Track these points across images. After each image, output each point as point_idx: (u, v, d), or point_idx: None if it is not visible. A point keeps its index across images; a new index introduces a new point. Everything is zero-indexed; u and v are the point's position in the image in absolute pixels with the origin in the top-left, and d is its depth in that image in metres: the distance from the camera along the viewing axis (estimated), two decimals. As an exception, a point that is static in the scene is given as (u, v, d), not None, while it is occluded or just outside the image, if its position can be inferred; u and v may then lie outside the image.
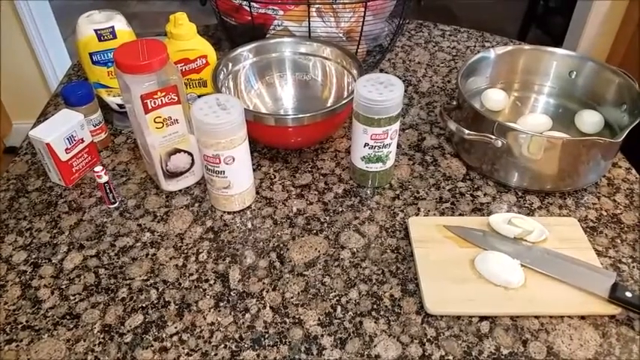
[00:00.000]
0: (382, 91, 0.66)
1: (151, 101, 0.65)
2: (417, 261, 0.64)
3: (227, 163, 0.66)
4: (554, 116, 0.80)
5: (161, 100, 0.66)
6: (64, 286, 0.63)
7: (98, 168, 0.69)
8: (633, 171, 0.77)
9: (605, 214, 0.71)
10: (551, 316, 0.59)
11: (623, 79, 0.76)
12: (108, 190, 0.71)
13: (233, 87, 0.82)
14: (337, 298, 0.61)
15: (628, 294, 0.57)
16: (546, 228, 0.66)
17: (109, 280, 0.64)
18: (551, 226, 0.67)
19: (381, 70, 0.98)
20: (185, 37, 0.78)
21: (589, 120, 0.78)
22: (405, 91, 0.93)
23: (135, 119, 0.68)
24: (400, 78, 0.96)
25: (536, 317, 0.59)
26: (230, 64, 0.81)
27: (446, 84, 0.95)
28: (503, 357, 0.55)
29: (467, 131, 0.70)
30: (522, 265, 0.62)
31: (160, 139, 0.69)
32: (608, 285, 0.59)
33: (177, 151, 0.71)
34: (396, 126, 0.69)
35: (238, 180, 0.69)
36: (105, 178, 0.70)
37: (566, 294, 0.60)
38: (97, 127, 0.80)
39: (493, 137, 0.70)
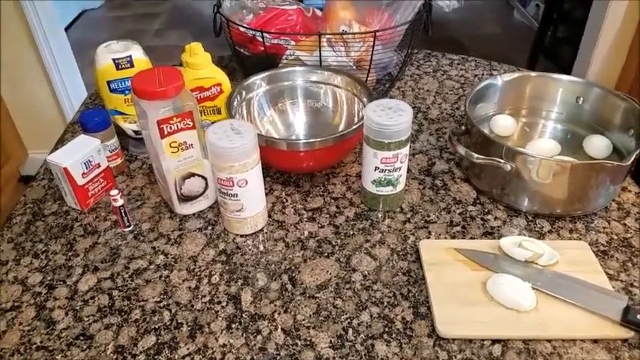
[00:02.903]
0: (392, 115, 0.68)
1: (167, 126, 0.67)
2: (428, 284, 0.64)
3: (240, 186, 0.67)
4: (562, 141, 0.81)
5: (177, 125, 0.68)
6: (78, 308, 0.64)
7: (114, 191, 0.71)
8: (643, 195, 0.77)
9: (615, 237, 0.71)
10: (563, 340, 0.58)
11: (629, 105, 0.77)
12: (123, 214, 0.73)
13: (246, 114, 0.84)
14: (349, 320, 0.61)
15: (640, 317, 0.57)
16: (557, 251, 0.66)
17: (122, 301, 0.64)
18: (562, 250, 0.67)
19: (391, 97, 1.00)
20: (200, 65, 0.80)
21: (597, 145, 0.79)
22: (415, 117, 0.95)
23: (151, 144, 0.70)
24: (410, 105, 0.98)
25: (549, 341, 0.58)
26: (244, 92, 0.84)
27: (455, 111, 0.97)
28: (516, 381, 0.55)
29: (476, 155, 0.71)
30: (534, 288, 0.62)
31: (175, 163, 0.71)
32: (620, 308, 0.59)
33: (192, 175, 0.73)
34: (406, 150, 0.70)
35: (251, 203, 0.70)
36: (120, 202, 0.72)
37: (578, 317, 0.60)
38: (114, 152, 0.82)
39: (502, 161, 0.70)
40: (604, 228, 0.72)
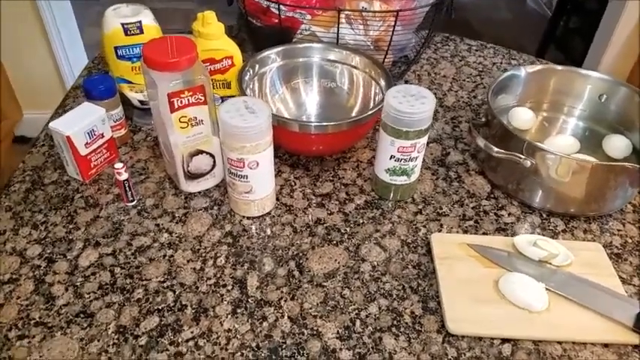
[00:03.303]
0: (413, 103, 0.65)
1: (177, 100, 0.64)
2: (439, 279, 0.63)
3: (251, 168, 0.65)
4: (581, 139, 0.79)
5: (187, 99, 0.65)
6: (78, 284, 0.62)
7: (119, 165, 0.68)
8: (659, 199, 0.76)
9: (630, 241, 0.69)
10: (574, 342, 0.58)
11: (653, 105, 0.75)
12: (127, 188, 0.70)
13: (258, 90, 0.81)
14: (357, 311, 0.60)
15: (654, 325, 0.56)
16: (571, 252, 0.65)
17: (124, 279, 0.62)
18: (576, 251, 0.65)
19: (406, 82, 0.97)
20: (213, 36, 0.77)
21: (617, 145, 0.77)
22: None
23: (159, 117, 0.67)
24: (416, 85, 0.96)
25: (559, 343, 0.57)
26: (257, 66, 0.81)
27: (472, 99, 0.94)
28: (525, 383, 0.54)
29: (495, 149, 0.69)
30: (547, 289, 0.61)
31: (184, 139, 0.68)
32: (633, 314, 0.58)
33: (200, 152, 0.70)
34: (424, 140, 0.68)
35: (260, 185, 0.67)
36: (125, 176, 0.69)
37: (589, 320, 0.59)
38: (118, 122, 0.79)
39: (522, 157, 0.68)
40: (619, 230, 0.71)
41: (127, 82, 0.82)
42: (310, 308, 0.60)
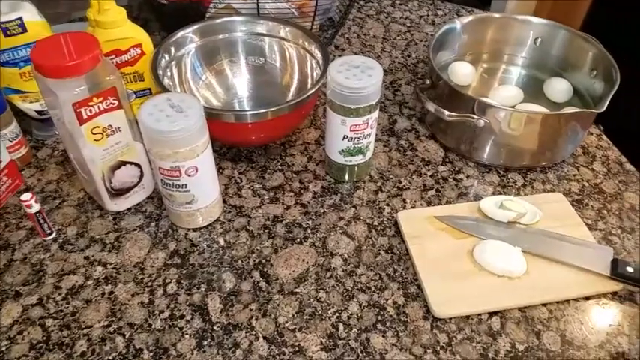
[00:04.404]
0: (360, 76, 0.59)
1: (85, 110, 0.53)
2: (414, 260, 0.59)
3: (189, 175, 0.56)
4: (523, 86, 0.77)
5: (98, 107, 0.54)
6: (4, 349, 0.51)
7: (26, 196, 0.56)
8: (604, 137, 0.76)
9: (587, 185, 0.69)
10: (557, 302, 0.57)
11: (592, 46, 0.74)
12: (41, 221, 0.59)
13: (178, 77, 0.70)
14: (337, 314, 0.54)
15: (629, 269, 0.56)
16: (536, 207, 0.63)
17: (60, 332, 0.52)
18: (540, 205, 0.64)
19: (337, 47, 0.90)
20: (114, 24, 0.65)
21: (558, 88, 0.76)
22: (364, 68, 0.86)
23: (64, 129, 0.56)
24: (358, 54, 0.89)
25: (544, 305, 0.56)
26: (172, 50, 0.69)
27: (406, 59, 0.89)
28: (520, 353, 0.52)
29: (447, 112, 0.65)
30: (523, 251, 0.59)
31: (101, 153, 0.57)
32: (608, 261, 0.57)
33: (123, 163, 0.60)
34: (377, 113, 0.62)
35: (204, 193, 0.59)
36: (36, 207, 0.57)
37: (569, 276, 0.58)
38: (15, 141, 0.66)
39: (475, 117, 0.65)
40: (574, 176, 0.70)
41: (17, 91, 0.67)
42: (286, 322, 0.54)
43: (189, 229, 0.62)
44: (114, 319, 0.54)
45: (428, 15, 1.00)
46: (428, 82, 0.71)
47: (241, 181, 0.68)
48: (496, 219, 0.62)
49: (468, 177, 0.70)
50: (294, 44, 0.73)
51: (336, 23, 0.88)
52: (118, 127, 0.57)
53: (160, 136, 0.52)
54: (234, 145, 0.72)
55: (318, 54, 0.70)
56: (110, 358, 0.51)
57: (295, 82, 0.74)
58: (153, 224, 0.62)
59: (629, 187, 0.69)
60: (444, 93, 0.69)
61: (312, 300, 0.56)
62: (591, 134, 0.77)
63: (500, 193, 0.67)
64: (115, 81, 0.54)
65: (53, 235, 0.61)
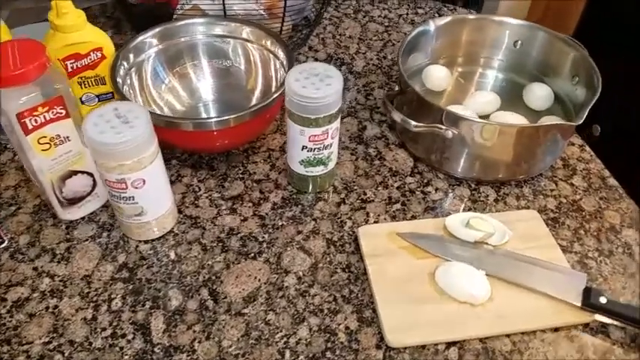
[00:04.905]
0: (319, 85, 0.56)
1: (30, 120, 0.51)
2: (371, 282, 0.56)
3: (136, 187, 0.53)
4: (501, 92, 0.74)
5: (44, 116, 0.52)
6: (-62, 365, 0.50)
7: (-31, 206, 0.55)
8: (587, 148, 0.72)
9: (564, 201, 0.66)
10: (522, 333, 0.53)
11: (573, 49, 0.70)
12: (-12, 230, 0.57)
13: (138, 84, 0.67)
14: (285, 339, 0.52)
15: (602, 299, 0.52)
16: (507, 226, 0.60)
17: (0, 347, 0.51)
18: (512, 223, 0.60)
19: (310, 48, 0.87)
20: (72, 28, 0.62)
21: (538, 94, 0.72)
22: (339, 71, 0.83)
23: (13, 136, 0.54)
24: (332, 56, 0.86)
25: (507, 335, 0.53)
26: (131, 56, 0.67)
27: (382, 60, 0.85)
28: (476, 386, 0.49)
29: (414, 123, 0.62)
30: (487, 275, 0.56)
31: (49, 163, 0.55)
32: (580, 289, 0.54)
33: (74, 173, 0.58)
34: (337, 123, 0.59)
35: (153, 204, 0.57)
36: (-19, 217, 0.56)
37: (536, 304, 0.54)
38: (-33, 146, 0.64)
39: (443, 127, 0.62)
40: (552, 191, 0.67)
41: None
42: (230, 346, 0.51)
43: (140, 241, 0.60)
44: (55, 335, 0.52)
45: (407, 14, 0.96)
46: (397, 88, 0.68)
47: (200, 190, 0.65)
48: (462, 238, 0.59)
49: (436, 190, 0.66)
50: (257, 45, 0.70)
51: (311, 23, 0.85)
52: (67, 137, 0.55)
53: (104, 148, 0.50)
54: (195, 152, 0.69)
55: (282, 55, 0.67)
56: (47, 377, 0.49)
57: (260, 85, 0.71)
58: (105, 234, 0.61)
59: (611, 205, 0.65)
60: (413, 102, 0.66)
61: (260, 322, 0.53)
62: (573, 144, 0.72)
63: (470, 209, 0.64)
64: (62, 90, 0.52)
65: (5, 244, 0.59)
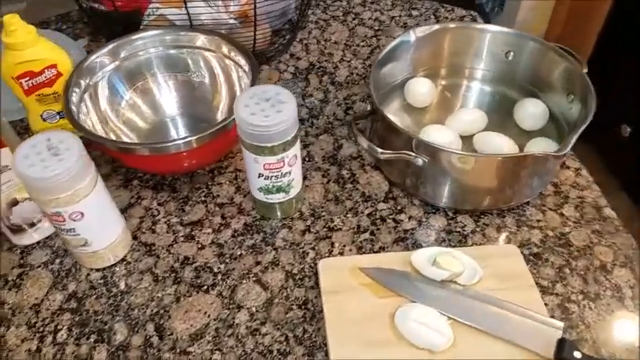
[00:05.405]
0: (269, 112, 0.51)
1: (-41, 151, 0.49)
2: (326, 322, 0.52)
3: (75, 220, 0.51)
4: (490, 107, 0.68)
5: (-25, 147, 0.50)
6: None
7: None
8: (584, 171, 0.65)
9: (551, 234, 0.59)
10: (484, 385, 0.49)
11: (570, 62, 0.63)
12: (-62, 256, 0.56)
13: (93, 108, 0.64)
14: (228, 382, 0.49)
15: (577, 354, 0.47)
16: (482, 262, 0.54)
17: (-61, 381, 0.50)
18: (488, 259, 0.55)
19: (292, 55, 0.82)
20: (23, 45, 0.60)
21: (531, 112, 0.65)
22: (320, 82, 0.78)
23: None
24: (314, 64, 0.81)
25: (467, 387, 0.48)
26: (86, 77, 0.63)
27: (367, 69, 0.80)
28: None
29: (380, 150, 0.56)
30: (451, 318, 0.51)
31: (-10, 192, 0.54)
32: (554, 341, 0.48)
33: (21, 200, 0.56)
34: (295, 150, 0.55)
35: (97, 236, 0.54)
36: None
37: (504, 353, 0.49)
38: None
39: (412, 154, 0.56)
40: (538, 222, 0.61)
41: None
42: (170, 387, 0.49)
43: (91, 269, 0.58)
44: (-3, 369, 0.51)
45: (400, 16, 0.89)
46: (369, 108, 0.62)
47: (158, 214, 0.63)
48: (428, 276, 0.55)
49: (410, 218, 0.61)
50: (219, 55, 0.66)
51: (293, 27, 0.80)
52: (6, 166, 0.53)
53: (34, 182, 0.47)
54: (157, 174, 0.66)
55: (244, 63, 0.63)
56: (-17, 415, 0.48)
57: (224, 98, 0.68)
58: (58, 261, 0.59)
59: (603, 240, 0.59)
60: (382, 126, 0.60)
61: (204, 362, 0.51)
62: (568, 168, 0.66)
63: (444, 240, 0.59)
64: (-8, 118, 0.50)
65: (-43, 269, 0.58)
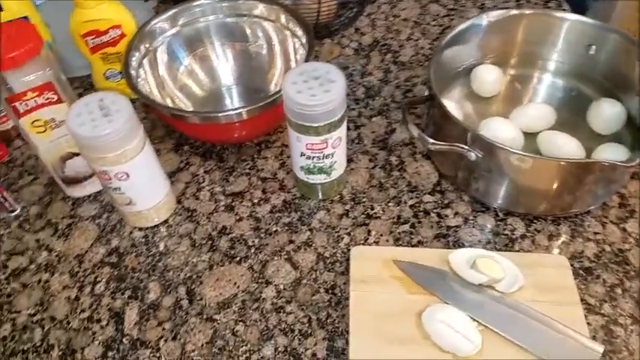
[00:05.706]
0: (316, 90, 0.50)
1: (21, 104, 0.52)
2: (350, 310, 0.51)
3: (120, 180, 0.53)
4: (560, 103, 0.62)
5: (35, 101, 0.52)
6: (-61, 321, 0.54)
7: (-18, 175, 0.58)
8: (658, 185, 0.59)
9: (608, 249, 0.54)
10: (509, 399, 0.46)
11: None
12: (1, 198, 0.61)
13: (151, 72, 0.65)
14: (248, 354, 0.50)
15: (612, 383, 0.44)
16: (525, 269, 0.51)
17: (-8, 312, 0.55)
18: (532, 268, 0.51)
19: (356, 30, 0.79)
20: (91, 4, 0.62)
21: (606, 114, 0.59)
22: (382, 60, 0.75)
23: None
24: (379, 41, 0.78)
25: (490, 399, 0.46)
26: (147, 40, 0.65)
27: (434, 51, 0.75)
28: None
29: (431, 140, 0.54)
30: (483, 325, 0.49)
31: (47, 145, 0.56)
32: (589, 363, 0.45)
33: (74, 154, 0.59)
34: (340, 132, 0.53)
35: (141, 197, 0.56)
36: (-9, 186, 0.59)
37: (532, 370, 0.47)
38: (2, 114, 0.67)
39: (465, 148, 0.53)
40: (595, 234, 0.56)
41: None
42: (193, 350, 0.50)
43: (135, 227, 0.60)
44: (40, 308, 0.54)
45: (478, -5, 0.83)
46: (426, 92, 0.59)
47: (203, 181, 0.64)
48: (465, 278, 0.52)
49: (456, 214, 0.58)
50: (279, 25, 0.65)
51: (363, 0, 0.77)
52: (63, 121, 0.55)
53: (83, 140, 0.49)
54: (206, 142, 0.67)
55: (301, 34, 0.61)
56: (25, 347, 0.52)
57: (279, 70, 0.67)
58: (105, 216, 0.61)
59: (668, 261, 0.53)
60: (437, 114, 0.57)
61: (227, 332, 0.51)
62: (638, 179, 0.60)
63: (489, 242, 0.56)
64: (51, 75, 0.52)
65: (17, 212, 0.63)
